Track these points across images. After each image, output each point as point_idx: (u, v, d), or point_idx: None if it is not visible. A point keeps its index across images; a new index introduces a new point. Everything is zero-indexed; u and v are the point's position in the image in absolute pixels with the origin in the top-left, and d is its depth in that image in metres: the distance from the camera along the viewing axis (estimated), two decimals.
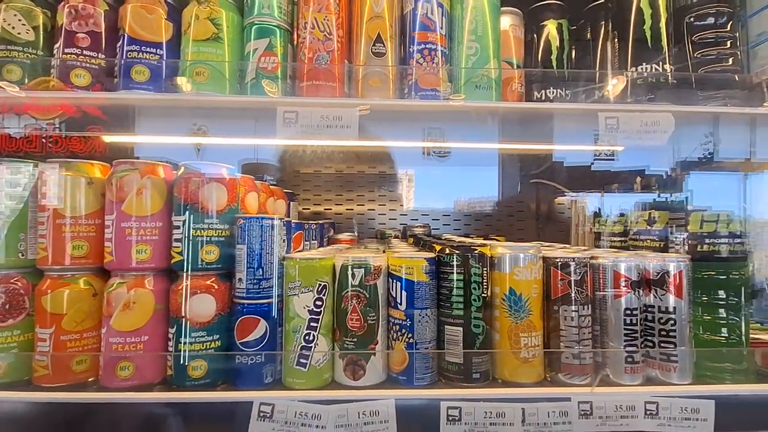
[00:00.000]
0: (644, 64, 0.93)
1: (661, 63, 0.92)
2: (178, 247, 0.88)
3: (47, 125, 1.32)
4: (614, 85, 0.91)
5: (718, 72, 0.92)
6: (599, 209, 1.47)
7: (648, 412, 0.86)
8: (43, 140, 1.23)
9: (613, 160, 1.64)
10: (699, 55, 0.94)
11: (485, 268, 0.90)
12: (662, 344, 0.91)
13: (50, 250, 0.86)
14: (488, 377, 0.90)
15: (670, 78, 0.92)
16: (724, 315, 0.92)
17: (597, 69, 0.98)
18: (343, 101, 0.86)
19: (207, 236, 0.88)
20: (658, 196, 1.36)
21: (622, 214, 1.22)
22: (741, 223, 0.92)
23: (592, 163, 1.69)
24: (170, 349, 0.87)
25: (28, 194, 0.89)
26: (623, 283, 0.91)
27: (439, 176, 1.86)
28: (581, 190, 1.69)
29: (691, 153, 1.40)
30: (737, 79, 0.93)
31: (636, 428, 0.86)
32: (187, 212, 0.87)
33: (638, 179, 1.53)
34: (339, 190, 1.85)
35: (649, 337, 0.92)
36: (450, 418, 0.84)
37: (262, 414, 0.83)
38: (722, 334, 0.93)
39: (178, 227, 0.88)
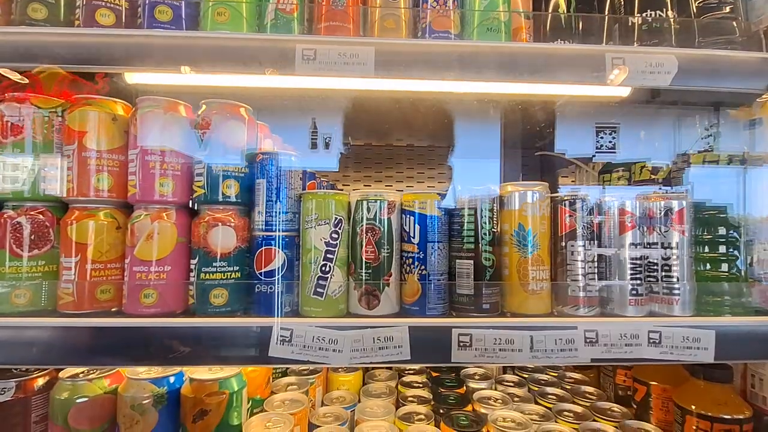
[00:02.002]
0: (648, 10, 0.97)
1: (664, 10, 0.96)
2: (200, 181, 0.91)
3: (49, 114, 1.34)
4: (619, 29, 0.95)
5: (718, 19, 0.96)
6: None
7: (651, 341, 0.90)
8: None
9: (614, 152, 1.68)
10: (701, 3, 0.98)
11: (495, 205, 0.94)
12: (665, 279, 0.94)
13: (75, 182, 0.89)
14: (498, 309, 0.94)
15: (673, 24, 0.96)
16: (725, 251, 0.96)
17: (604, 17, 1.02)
18: (360, 39, 0.90)
19: (227, 171, 0.91)
20: (659, 188, 1.38)
21: (627, 169, 1.25)
22: (741, 161, 0.96)
23: (593, 156, 1.73)
24: (192, 278, 0.90)
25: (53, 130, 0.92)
26: (628, 220, 0.94)
27: None
28: (583, 183, 1.75)
29: (692, 146, 1.45)
30: (736, 26, 0.96)
31: (640, 356, 0.90)
32: (208, 147, 0.90)
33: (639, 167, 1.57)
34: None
35: (652, 273, 0.95)
36: (461, 344, 0.88)
37: (281, 338, 0.86)
38: (722, 270, 0.96)
39: (200, 162, 0.91)
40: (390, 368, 1.52)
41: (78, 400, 0.87)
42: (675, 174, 1.39)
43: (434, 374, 1.42)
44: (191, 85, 1.05)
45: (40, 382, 0.90)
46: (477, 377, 1.40)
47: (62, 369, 0.95)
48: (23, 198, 0.90)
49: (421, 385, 1.34)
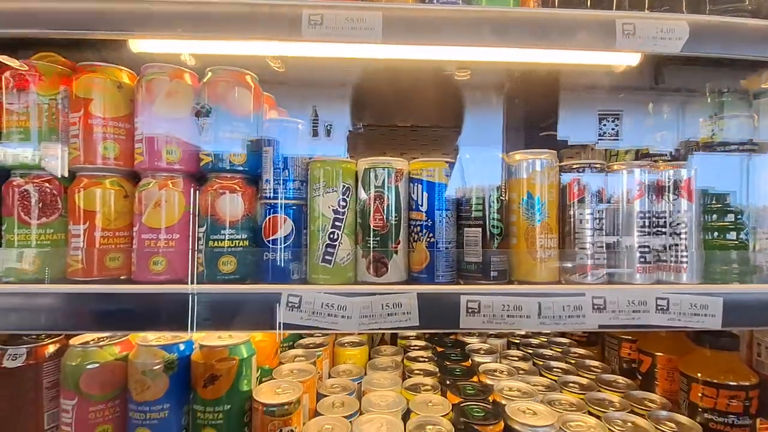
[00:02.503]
0: None
1: None
2: (207, 148, 0.90)
3: (49, 102, 1.32)
4: None
5: None
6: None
7: (659, 308, 0.90)
8: None
9: (617, 139, 1.66)
10: None
11: (503, 173, 0.93)
12: (673, 247, 0.94)
13: (82, 150, 0.89)
14: (505, 277, 0.94)
15: None
16: (733, 219, 0.96)
17: None
18: (368, 4, 0.88)
19: (234, 138, 0.91)
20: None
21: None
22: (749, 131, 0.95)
23: (596, 143, 1.71)
24: (201, 246, 0.90)
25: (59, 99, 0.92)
26: (637, 188, 0.94)
27: None
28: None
29: (696, 134, 1.43)
30: None
31: (647, 322, 0.90)
32: (214, 114, 0.90)
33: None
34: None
35: (660, 241, 0.95)
36: (469, 310, 0.88)
37: (290, 304, 0.86)
38: (730, 238, 0.96)
39: (207, 130, 0.90)
40: (395, 344, 1.53)
41: (89, 367, 0.87)
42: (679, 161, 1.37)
43: (439, 349, 1.43)
44: (196, 54, 1.04)
45: (51, 349, 0.91)
46: (482, 352, 1.41)
47: (73, 336, 0.96)
48: (30, 166, 0.90)
49: (426, 360, 1.35)
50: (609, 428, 0.93)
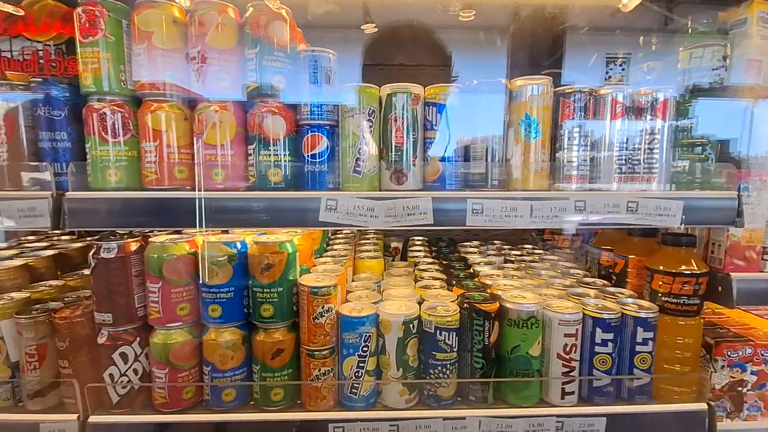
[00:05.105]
0: None
1: None
2: (253, 76, 1.06)
3: (43, 48, 1.41)
4: None
5: None
6: None
7: (629, 209, 1.09)
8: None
9: (624, 84, 1.72)
10: None
11: (505, 96, 1.09)
12: (647, 160, 1.12)
13: (147, 78, 1.04)
14: (504, 186, 1.13)
15: None
16: (699, 136, 1.13)
17: None
18: None
19: (276, 67, 1.06)
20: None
21: None
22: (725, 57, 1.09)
23: (603, 87, 1.79)
24: (251, 162, 1.08)
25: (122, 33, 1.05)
26: (619, 108, 1.10)
27: None
28: None
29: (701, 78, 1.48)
30: None
31: (619, 221, 1.10)
32: (258, 45, 1.04)
33: None
34: None
35: (636, 155, 1.12)
36: (474, 211, 1.08)
37: (328, 207, 1.06)
38: (696, 153, 1.14)
39: (251, 59, 1.05)
40: (406, 258, 1.76)
41: (167, 258, 1.09)
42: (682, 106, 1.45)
43: (445, 262, 1.65)
44: None
45: (134, 246, 1.11)
46: (482, 264, 1.63)
47: (149, 236, 1.17)
48: (104, 92, 1.05)
49: (434, 270, 1.58)
50: (583, 307, 1.17)
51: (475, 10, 1.85)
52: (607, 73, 1.69)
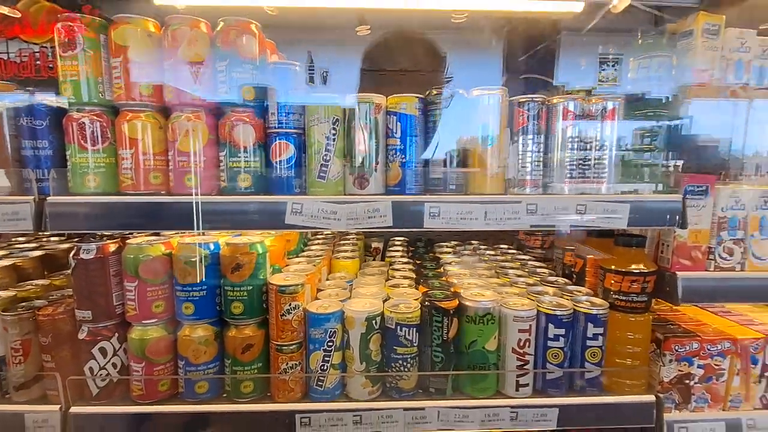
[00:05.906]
0: None
1: None
2: (223, 87, 1.12)
3: (40, 50, 1.47)
4: None
5: None
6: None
7: (578, 211, 1.16)
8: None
9: (617, 85, 1.78)
10: None
11: (463, 104, 1.16)
12: (596, 165, 1.19)
13: (125, 88, 1.11)
14: (462, 191, 1.19)
15: None
16: (649, 142, 1.19)
17: None
18: None
19: (245, 78, 1.12)
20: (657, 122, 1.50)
21: None
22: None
23: (594, 88, 1.86)
24: (222, 167, 1.15)
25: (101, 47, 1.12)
26: (570, 117, 1.17)
27: None
28: None
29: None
30: None
31: (569, 223, 1.17)
32: (228, 58, 1.11)
33: None
34: None
35: (586, 160, 1.19)
36: (431, 214, 1.14)
37: (294, 210, 1.12)
38: (645, 158, 1.20)
39: (222, 71, 1.12)
40: (383, 258, 1.83)
41: (143, 258, 1.16)
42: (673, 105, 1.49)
43: (418, 262, 1.72)
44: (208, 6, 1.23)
45: (112, 247, 1.18)
46: (453, 263, 1.70)
47: (127, 237, 1.24)
48: (83, 102, 1.12)
49: (407, 269, 1.64)
50: (538, 304, 1.23)
51: (467, 12, 1.88)
52: (600, 73, 1.77)
